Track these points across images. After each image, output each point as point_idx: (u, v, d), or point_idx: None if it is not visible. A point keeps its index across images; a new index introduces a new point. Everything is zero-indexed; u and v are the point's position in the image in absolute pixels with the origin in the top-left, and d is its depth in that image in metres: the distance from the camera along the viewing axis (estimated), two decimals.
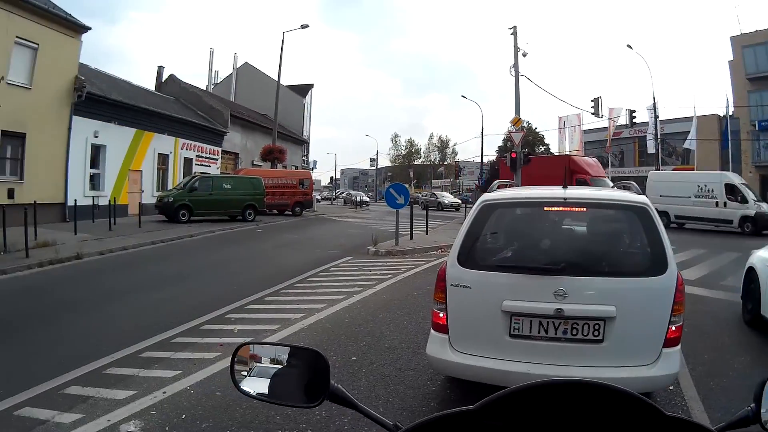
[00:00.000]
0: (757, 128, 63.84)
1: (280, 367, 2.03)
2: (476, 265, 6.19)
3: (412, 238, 23.67)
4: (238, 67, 78.34)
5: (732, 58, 69.00)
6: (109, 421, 5.87)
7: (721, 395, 6.82)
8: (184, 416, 6.01)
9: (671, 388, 7.07)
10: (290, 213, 42.10)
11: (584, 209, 6.77)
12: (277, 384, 2.00)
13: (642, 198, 6.53)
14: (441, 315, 6.19)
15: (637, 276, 6.03)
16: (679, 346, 5.99)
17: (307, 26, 49.20)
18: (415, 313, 10.55)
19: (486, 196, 6.75)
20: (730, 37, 69.78)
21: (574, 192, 6.74)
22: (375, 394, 6.72)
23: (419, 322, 9.72)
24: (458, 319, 6.15)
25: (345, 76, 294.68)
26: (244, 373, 2.06)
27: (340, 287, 13.50)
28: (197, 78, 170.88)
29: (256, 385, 2.02)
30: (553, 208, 6.69)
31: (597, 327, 5.77)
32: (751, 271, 10.99)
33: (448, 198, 72.66)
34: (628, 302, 5.82)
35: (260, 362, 2.06)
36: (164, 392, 6.65)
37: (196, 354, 8.15)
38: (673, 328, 5.84)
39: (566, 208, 6.65)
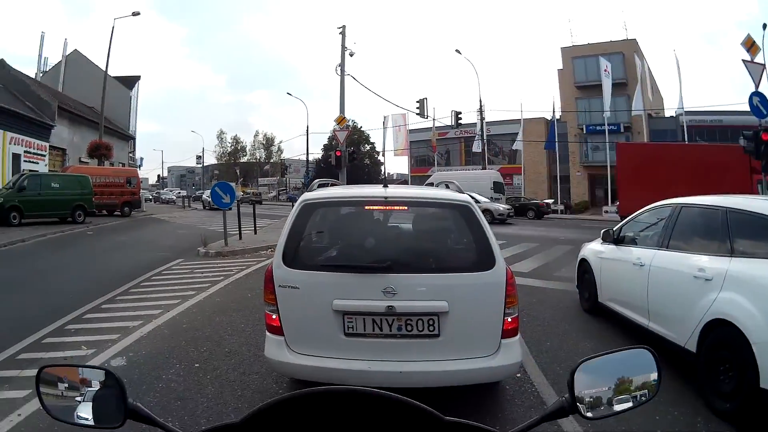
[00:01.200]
0: (585, 131, 70.53)
1: (93, 390, 1.96)
2: (303, 265, 6.22)
3: (240, 238, 23.80)
4: (67, 54, 74.31)
5: (561, 67, 75.05)
6: None
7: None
8: None
9: (519, 375, 7.34)
10: (119, 213, 40.97)
11: (405, 208, 6.81)
12: (94, 408, 1.93)
13: (464, 196, 6.69)
14: (274, 317, 6.19)
15: (465, 271, 6.15)
16: (518, 336, 6.24)
17: (138, 13, 48.94)
18: (251, 315, 10.67)
19: (306, 196, 6.81)
20: (561, 48, 78.37)
21: (395, 191, 6.80)
22: (223, 401, 6.76)
23: (256, 324, 9.77)
24: (292, 320, 6.16)
25: (171, 69, 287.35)
26: (43, 392, 1.99)
27: (174, 291, 13.47)
28: (26, 64, 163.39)
29: (56, 406, 1.99)
30: (375, 207, 6.68)
31: (431, 322, 5.88)
32: (584, 262, 11.81)
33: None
34: (459, 297, 5.96)
35: (57, 383, 2.01)
36: (19, 414, 6.45)
37: None
38: (509, 320, 6.04)
39: (387, 207, 6.63)
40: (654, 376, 2.07)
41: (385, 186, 6.80)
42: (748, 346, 5.99)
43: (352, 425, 1.48)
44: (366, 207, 6.76)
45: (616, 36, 76.83)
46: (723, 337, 6.58)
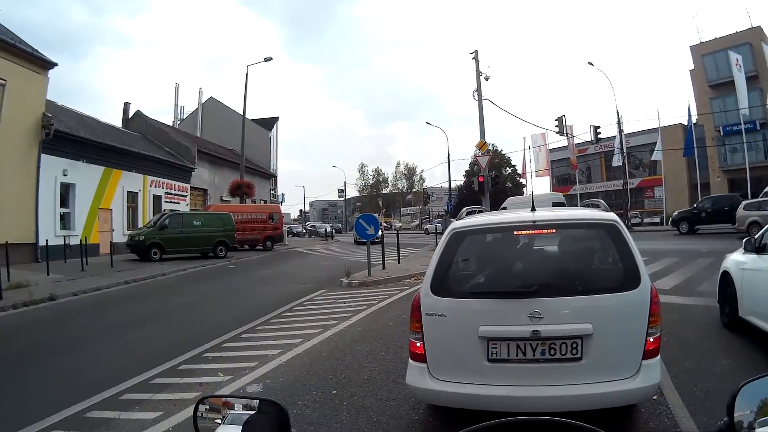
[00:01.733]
0: (722, 134, 65.67)
1: (247, 415, 2.01)
2: (450, 293, 6.17)
3: (384, 267, 23.70)
4: (203, 101, 78.06)
5: (693, 67, 71.54)
6: None
7: (706, 400, 6.86)
8: None
9: (655, 397, 7.01)
10: (261, 248, 42.11)
11: (554, 231, 6.83)
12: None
13: (611, 215, 6.58)
14: (418, 344, 6.15)
15: (611, 292, 6.01)
16: (658, 357, 6.00)
17: (270, 59, 49.55)
18: (392, 344, 10.48)
19: (455, 224, 6.77)
20: (690, 47, 73.09)
21: (543, 214, 6.75)
22: (358, 427, 6.64)
23: (396, 351, 9.67)
24: (436, 348, 6.11)
25: (308, 108, 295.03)
26: (218, 421, 2.05)
27: (315, 321, 13.41)
28: (163, 114, 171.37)
29: None
30: (525, 232, 6.68)
31: (575, 345, 5.78)
32: (726, 275, 11.09)
33: None
34: (604, 318, 5.83)
35: (216, 413, 2.09)
36: None
37: (175, 395, 8.02)
38: (651, 340, 5.86)
39: (536, 231, 6.64)
40: None
41: (533, 210, 6.72)
42: None
43: None
44: (515, 232, 6.74)
45: (740, 26, 72.95)
46: None
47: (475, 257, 7.02)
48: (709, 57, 68.75)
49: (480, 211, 8.74)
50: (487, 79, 39.95)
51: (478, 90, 39.41)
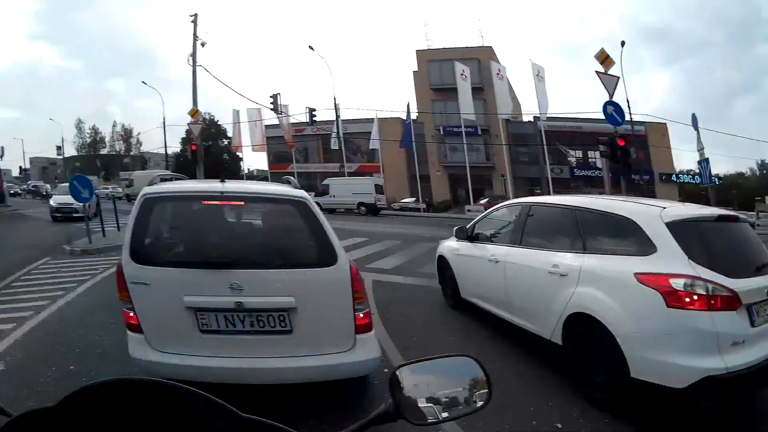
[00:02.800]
0: (442, 133, 73.20)
1: None
2: (151, 261, 6.22)
3: (104, 234, 23.42)
4: None
5: (417, 69, 76.50)
6: None
7: None
8: None
9: (386, 371, 7.07)
10: None
11: (242, 203, 7.11)
12: None
13: (300, 192, 6.78)
14: (131, 314, 6.20)
15: (310, 267, 6.29)
16: (373, 332, 6.40)
17: None
18: (120, 315, 9.83)
19: (147, 189, 6.70)
20: (416, 50, 79.42)
21: (232, 186, 6.96)
22: None
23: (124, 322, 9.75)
24: (148, 318, 6.19)
25: (26, 49, 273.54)
26: None
27: (43, 292, 13.30)
28: None
29: None
30: (212, 202, 6.81)
31: (282, 318, 6.01)
32: (443, 259, 12.21)
33: None
34: (306, 293, 6.09)
35: None
36: None
37: None
38: (361, 315, 6.21)
39: (224, 202, 6.86)
40: (483, 383, 2.14)
41: (222, 181, 6.95)
42: (612, 339, 6.53)
43: (152, 417, 1.48)
44: (203, 202, 6.93)
45: (472, 42, 77.98)
46: (587, 329, 7.06)
47: (174, 226, 7.08)
48: (435, 63, 75.52)
49: (177, 179, 9.02)
50: (203, 45, 40.51)
51: (194, 55, 39.71)
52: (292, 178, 7.59)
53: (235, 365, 5.96)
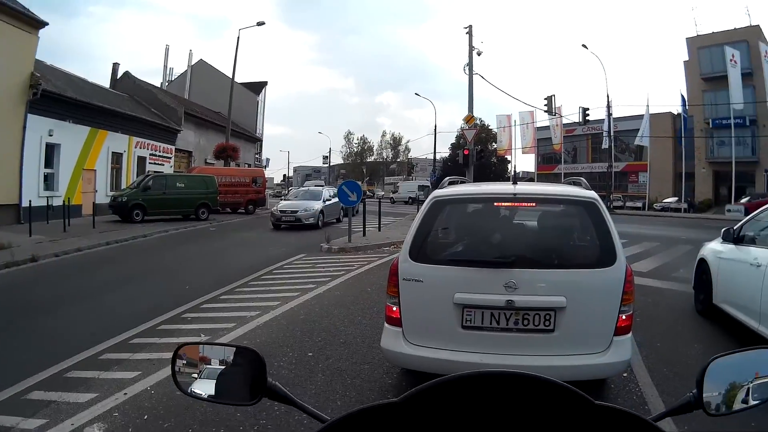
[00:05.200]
0: (711, 126, 66.44)
1: (224, 367, 2.03)
2: (428, 260, 6.21)
3: (365, 234, 23.78)
4: (192, 64, 77.32)
5: (687, 59, 72.22)
6: (72, 425, 5.87)
7: (676, 381, 7.01)
8: (146, 417, 6.03)
9: (625, 375, 7.20)
10: (243, 211, 41.71)
11: (533, 204, 6.91)
12: (221, 384, 2.00)
13: (590, 193, 6.60)
14: (394, 309, 6.21)
15: (586, 267, 6.12)
16: (630, 335, 6.11)
17: (263, 23, 49.47)
18: (369, 309, 10.59)
19: (437, 192, 6.78)
20: (686, 38, 74.11)
21: (524, 188, 6.78)
22: (332, 389, 6.77)
23: (373, 317, 9.77)
24: (411, 312, 6.18)
25: (299, 74, 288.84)
26: (195, 375, 2.05)
27: (294, 284, 13.52)
28: (152, 75, 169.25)
29: (203, 387, 2.03)
30: (504, 204, 6.79)
31: (548, 317, 5.85)
32: (703, 262, 11.26)
33: None
34: (578, 293, 5.91)
35: (193, 360, 2.08)
36: (125, 393, 6.63)
37: (154, 354, 8.12)
38: (624, 317, 5.95)
39: (516, 204, 6.78)
40: None
41: (514, 183, 6.73)
42: None
43: (506, 407, 1.47)
44: (495, 204, 6.84)
45: (739, 23, 73.49)
46: None
47: (455, 226, 7.07)
48: (704, 50, 69.40)
49: (462, 182, 8.77)
50: (479, 54, 39.99)
51: (470, 64, 39.39)
52: (582, 179, 7.23)
53: (491, 361, 5.80)
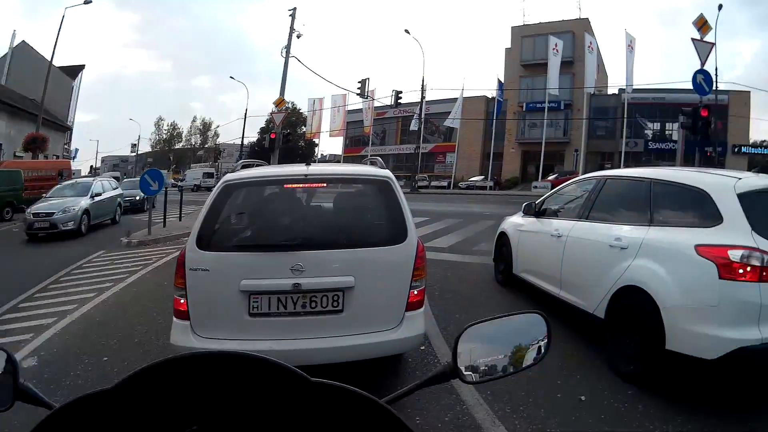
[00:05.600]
0: (524, 109, 73.40)
1: None
2: (215, 247, 6.16)
3: (165, 225, 23.87)
4: (14, 46, 72.06)
5: (510, 46, 77.79)
6: None
7: None
8: None
9: (423, 348, 7.56)
10: None
11: (325, 185, 7.00)
12: None
13: (384, 172, 6.73)
14: (182, 301, 6.09)
15: (376, 245, 6.25)
16: (422, 309, 6.34)
17: (90, 1, 47.40)
18: (163, 303, 10.45)
19: (227, 177, 6.75)
20: (512, 27, 79.52)
21: (316, 168, 6.85)
22: None
23: (168, 311, 9.01)
24: (199, 304, 6.09)
25: (117, 57, 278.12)
26: None
27: (91, 284, 13.49)
28: None
29: None
30: (295, 185, 6.82)
31: (336, 298, 5.97)
32: (503, 235, 12.17)
33: None
34: (367, 272, 6.09)
35: None
36: None
37: None
38: (415, 292, 6.19)
39: (307, 185, 6.83)
40: (543, 341, 2.12)
41: (308, 164, 6.83)
42: (656, 311, 6.43)
43: (223, 387, 1.48)
44: (285, 186, 6.87)
45: (569, 15, 77.68)
46: (632, 303, 6.99)
47: (248, 211, 7.06)
48: (528, 39, 76.24)
49: (257, 165, 8.99)
50: (299, 37, 41.16)
51: (288, 47, 40.07)
52: (378, 158, 7.57)
53: (282, 347, 5.87)
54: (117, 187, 30.51)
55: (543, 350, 2.08)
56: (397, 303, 6.18)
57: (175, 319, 6.25)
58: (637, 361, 6.72)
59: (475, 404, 6.24)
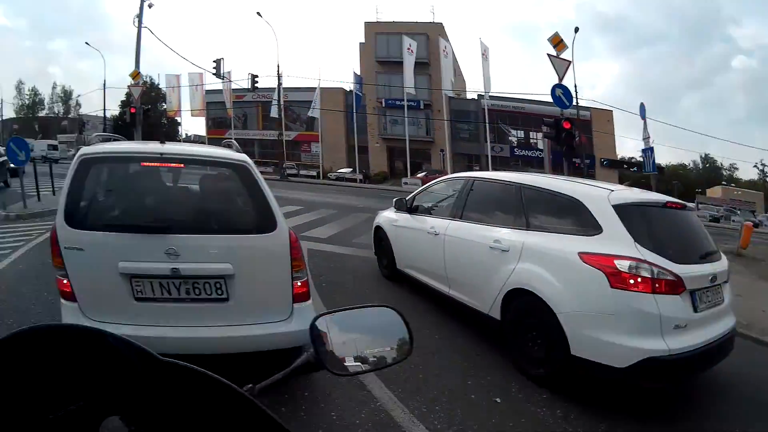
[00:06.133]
0: (384, 105, 75.11)
1: None
2: (86, 225, 6.02)
3: (39, 199, 22.96)
4: None
5: (364, 41, 78.37)
6: None
7: None
8: None
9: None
10: None
11: (182, 165, 6.85)
12: None
13: (242, 156, 6.64)
14: (65, 281, 6.00)
15: (248, 233, 6.24)
16: (310, 301, 6.42)
17: None
18: (54, 283, 9.91)
19: (84, 150, 6.49)
20: (365, 22, 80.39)
21: (172, 147, 6.78)
22: None
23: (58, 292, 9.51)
24: (82, 285, 5.99)
25: None
26: None
27: None
28: None
29: None
30: (151, 164, 6.58)
31: (219, 285, 5.97)
32: (380, 229, 12.35)
33: None
34: (243, 260, 6.06)
35: None
36: None
37: None
38: (299, 284, 6.24)
39: (163, 164, 6.69)
40: (404, 335, 2.19)
41: (162, 142, 6.80)
42: (553, 316, 6.72)
43: (67, 360, 1.40)
44: (142, 163, 6.68)
45: (423, 18, 79.42)
46: (527, 305, 7.26)
47: (113, 189, 6.83)
48: (383, 36, 77.37)
49: (115, 140, 8.70)
50: (150, 6, 40.11)
51: (140, 16, 39.21)
52: (233, 141, 7.34)
53: (172, 335, 5.84)
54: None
55: (407, 346, 2.17)
56: (282, 294, 6.23)
57: (62, 300, 6.16)
58: (546, 365, 6.96)
59: (389, 401, 6.34)
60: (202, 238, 6.10)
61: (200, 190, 7.27)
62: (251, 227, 6.35)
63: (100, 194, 6.73)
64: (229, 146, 7.74)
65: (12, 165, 22.92)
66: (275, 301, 6.25)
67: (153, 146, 6.71)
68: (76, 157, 6.39)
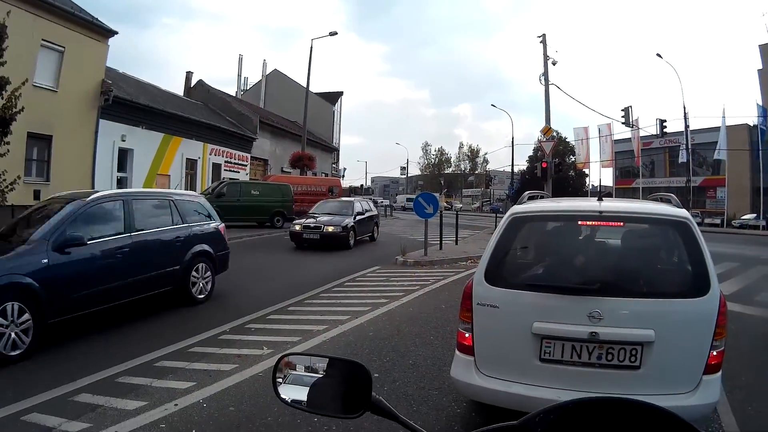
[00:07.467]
0: None
1: (318, 376, 2.07)
2: (505, 283, 5.89)
3: (441, 248, 23.36)
4: (267, 73, 79.36)
5: (761, 67, 69.10)
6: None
7: (761, 421, 6.55)
8: (193, 431, 5.84)
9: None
10: None
11: (621, 224, 6.39)
12: (315, 393, 2.04)
13: (682, 212, 6.09)
14: (467, 335, 5.92)
15: (677, 297, 5.67)
16: (720, 373, 5.64)
17: (335, 33, 49.63)
18: (441, 328, 10.20)
19: (516, 209, 6.43)
20: (759, 46, 70.59)
21: (610, 205, 6.39)
22: None
23: (446, 337, 9.36)
24: (485, 341, 5.88)
25: (373, 85, 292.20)
26: (295, 385, 2.09)
27: (365, 298, 13.24)
28: (226, 84, 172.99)
29: (292, 393, 2.09)
30: (588, 222, 6.32)
31: (634, 352, 5.45)
32: None
33: None
34: (667, 325, 5.48)
35: (295, 370, 2.12)
36: (176, 404, 6.47)
37: (212, 365, 7.96)
38: (715, 353, 5.51)
39: (602, 223, 6.25)
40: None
41: (600, 199, 6.43)
42: None
43: None
44: (580, 222, 6.37)
45: None
46: None
47: (535, 246, 6.71)
48: None
49: (542, 197, 8.31)
50: (554, 63, 40.30)
51: (545, 74, 39.55)
52: (672, 195, 6.71)
53: (566, 398, 4.85)
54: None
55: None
56: (695, 364, 5.52)
57: (457, 352, 6.08)
58: None
59: None
60: (628, 302, 5.61)
61: (625, 247, 6.74)
62: (681, 290, 5.78)
63: (525, 253, 6.65)
64: (666, 200, 7.22)
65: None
66: (685, 372, 5.57)
67: (589, 203, 6.57)
68: (506, 215, 6.41)
